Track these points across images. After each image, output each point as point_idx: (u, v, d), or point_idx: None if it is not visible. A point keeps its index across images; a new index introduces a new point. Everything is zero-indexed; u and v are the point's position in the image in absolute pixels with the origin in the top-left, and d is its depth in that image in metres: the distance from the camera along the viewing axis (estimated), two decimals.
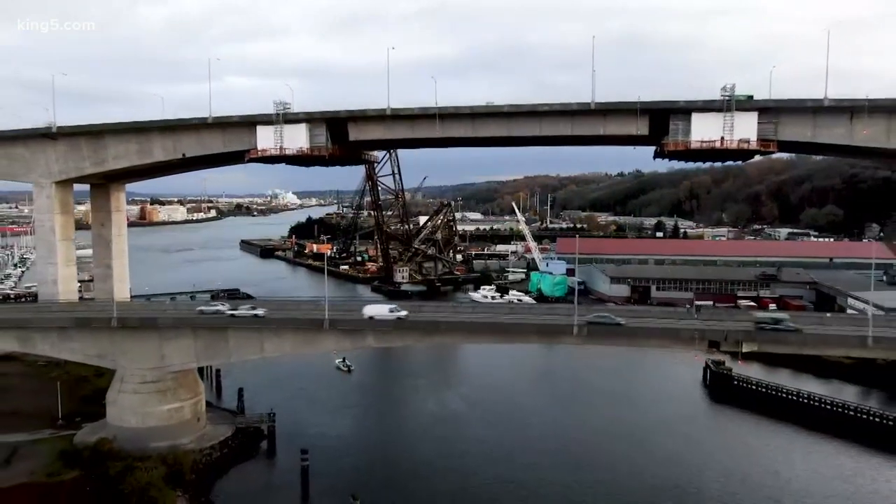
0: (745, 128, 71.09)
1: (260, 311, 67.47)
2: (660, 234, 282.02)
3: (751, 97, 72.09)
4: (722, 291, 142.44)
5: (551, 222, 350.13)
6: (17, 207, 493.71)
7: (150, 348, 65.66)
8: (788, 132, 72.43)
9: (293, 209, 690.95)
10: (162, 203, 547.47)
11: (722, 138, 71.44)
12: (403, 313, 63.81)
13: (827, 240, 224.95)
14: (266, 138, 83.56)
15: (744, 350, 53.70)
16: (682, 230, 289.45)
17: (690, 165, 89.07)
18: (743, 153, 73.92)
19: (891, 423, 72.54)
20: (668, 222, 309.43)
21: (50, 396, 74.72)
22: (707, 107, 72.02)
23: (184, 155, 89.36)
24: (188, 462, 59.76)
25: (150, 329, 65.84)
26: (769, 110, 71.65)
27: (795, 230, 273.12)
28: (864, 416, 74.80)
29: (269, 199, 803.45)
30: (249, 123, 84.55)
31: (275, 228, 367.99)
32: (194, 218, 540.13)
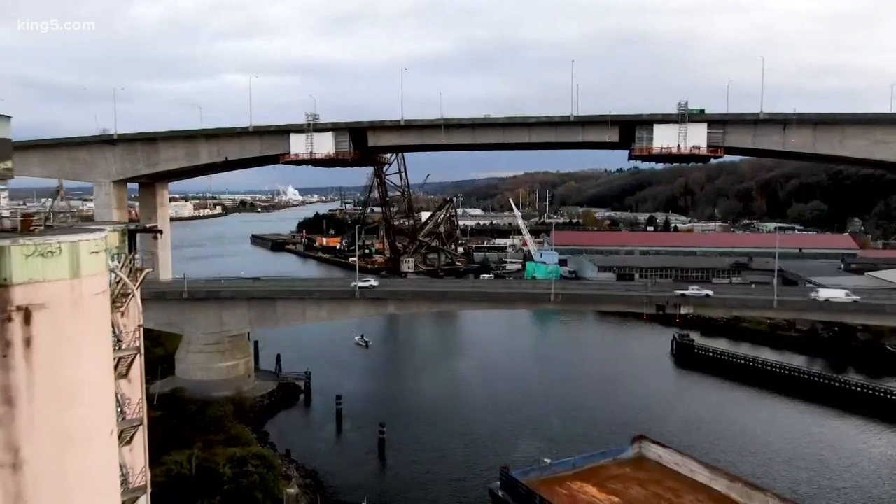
0: (697, 136, 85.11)
1: (710, 292, 73.50)
2: (651, 228, 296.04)
3: (702, 111, 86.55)
4: (699, 278, 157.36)
5: (549, 217, 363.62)
6: (23, 204, 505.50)
7: (212, 316, 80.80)
8: (733, 140, 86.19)
9: (296, 205, 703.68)
10: (168, 200, 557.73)
11: (678, 145, 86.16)
12: (857, 298, 69.44)
13: (809, 233, 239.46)
14: (298, 144, 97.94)
15: (681, 312, 68.80)
16: (673, 225, 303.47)
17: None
18: (696, 157, 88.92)
19: (823, 380, 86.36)
20: (661, 217, 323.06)
21: None
22: (666, 119, 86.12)
23: (226, 158, 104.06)
24: (248, 404, 75.20)
25: (212, 300, 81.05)
26: (717, 122, 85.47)
27: (782, 224, 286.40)
28: (797, 375, 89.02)
29: (271, 195, 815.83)
30: (284, 131, 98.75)
31: (281, 224, 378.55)
32: (201, 214, 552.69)
